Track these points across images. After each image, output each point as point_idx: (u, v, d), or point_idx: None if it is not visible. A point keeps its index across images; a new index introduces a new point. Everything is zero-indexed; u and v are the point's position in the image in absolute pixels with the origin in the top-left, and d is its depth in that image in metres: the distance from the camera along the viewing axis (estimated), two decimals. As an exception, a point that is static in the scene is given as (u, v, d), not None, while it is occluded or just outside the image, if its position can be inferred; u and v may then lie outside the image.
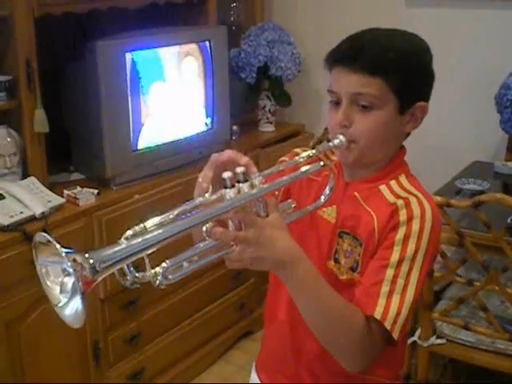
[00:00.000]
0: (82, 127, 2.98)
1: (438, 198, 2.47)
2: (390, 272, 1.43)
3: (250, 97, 3.89)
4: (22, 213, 2.57)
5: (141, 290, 3.00)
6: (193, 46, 3.21)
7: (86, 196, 2.80)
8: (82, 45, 2.86)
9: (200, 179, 1.39)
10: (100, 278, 1.14)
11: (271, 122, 3.90)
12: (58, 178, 3.00)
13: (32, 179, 2.73)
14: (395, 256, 1.44)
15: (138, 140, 3.00)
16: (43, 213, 2.61)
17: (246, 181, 1.30)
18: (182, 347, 3.34)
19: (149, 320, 3.13)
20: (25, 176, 2.76)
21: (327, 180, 1.54)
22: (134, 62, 2.89)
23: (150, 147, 3.06)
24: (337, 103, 1.52)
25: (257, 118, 3.91)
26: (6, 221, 2.51)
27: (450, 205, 2.45)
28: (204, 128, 3.33)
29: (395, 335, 1.42)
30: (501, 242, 2.43)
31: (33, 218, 2.59)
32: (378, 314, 1.41)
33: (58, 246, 1.11)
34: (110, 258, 1.14)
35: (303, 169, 1.47)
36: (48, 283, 1.19)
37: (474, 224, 2.56)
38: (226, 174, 1.29)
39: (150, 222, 1.25)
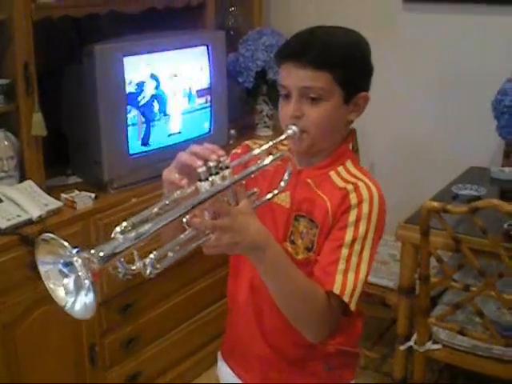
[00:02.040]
0: (80, 131, 2.99)
1: (435, 204, 2.48)
2: (344, 251, 1.58)
3: (248, 101, 3.90)
4: (19, 216, 2.57)
5: (138, 293, 3.00)
6: (191, 51, 3.21)
7: (84, 199, 2.80)
8: (80, 48, 2.87)
9: (170, 175, 1.53)
10: (104, 269, 1.21)
11: (269, 127, 3.90)
12: (56, 181, 3.00)
13: (29, 183, 2.73)
14: (348, 236, 1.58)
15: (135, 144, 3.00)
16: (40, 216, 2.61)
17: (217, 173, 1.41)
18: (179, 351, 3.34)
19: (146, 323, 3.13)
20: (22, 179, 2.76)
21: (280, 169, 1.65)
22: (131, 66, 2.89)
23: (147, 151, 3.06)
24: (287, 96, 1.64)
25: (254, 123, 3.92)
26: (3, 224, 2.52)
27: (447, 210, 2.46)
28: (202, 132, 3.34)
29: (352, 307, 1.57)
30: (497, 248, 2.44)
31: (30, 222, 2.59)
32: (336, 290, 1.55)
33: (65, 243, 1.18)
34: (112, 250, 1.22)
35: (268, 159, 1.57)
36: (51, 286, 1.25)
37: (470, 229, 2.56)
38: (201, 169, 1.40)
39: (136, 218, 1.34)
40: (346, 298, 1.55)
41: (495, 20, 3.45)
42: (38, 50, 2.69)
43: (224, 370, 1.95)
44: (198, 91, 3.26)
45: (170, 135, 3.17)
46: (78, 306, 1.22)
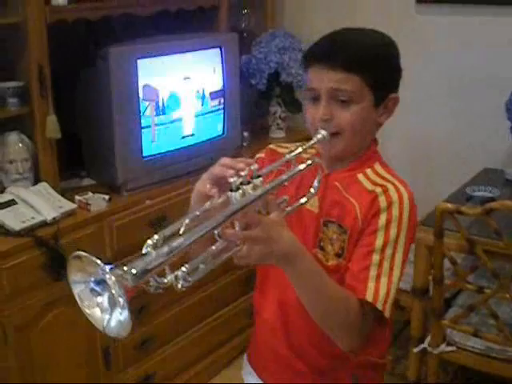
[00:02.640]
0: (94, 133, 3.00)
1: (449, 205, 2.48)
2: (375, 257, 1.54)
3: (261, 103, 3.90)
4: (33, 218, 2.58)
5: (151, 295, 3.00)
6: (204, 53, 3.22)
7: (98, 201, 2.81)
8: (94, 51, 2.88)
9: (201, 187, 1.49)
10: (140, 285, 1.17)
11: (282, 129, 3.90)
12: (70, 183, 3.01)
13: (43, 185, 2.75)
14: (379, 241, 1.55)
15: (149, 146, 3.01)
16: (54, 218, 2.62)
17: (248, 183, 1.38)
18: (193, 352, 3.35)
19: (159, 325, 3.14)
20: (36, 181, 2.78)
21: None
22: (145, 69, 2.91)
23: (160, 153, 3.07)
24: (315, 99, 1.61)
25: (267, 125, 3.92)
26: (18, 226, 2.53)
27: (461, 212, 2.45)
28: (215, 134, 3.34)
29: (387, 314, 1.54)
30: (511, 250, 2.43)
31: (44, 224, 2.60)
32: (369, 297, 1.52)
33: (98, 261, 1.13)
34: (144, 266, 1.17)
35: (300, 167, 1.55)
36: (87, 310, 1.21)
37: (484, 231, 2.55)
38: (232, 179, 1.38)
39: (167, 230, 1.28)
40: (379, 306, 1.52)
41: (507, 21, 3.43)
42: (52, 52, 2.71)
43: (249, 375, 1.92)
44: (211, 93, 3.27)
45: (183, 137, 3.17)
46: (113, 324, 1.19)
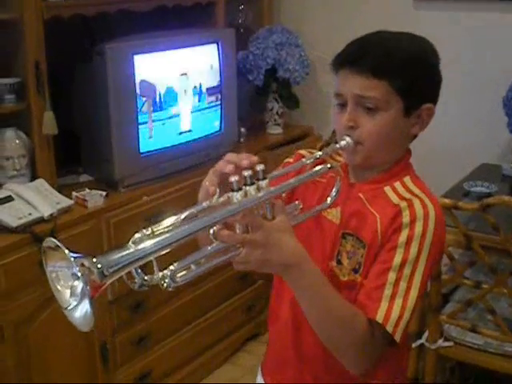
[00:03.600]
0: (91, 129, 3.00)
1: (446, 201, 2.48)
2: (392, 275, 1.44)
3: (258, 99, 3.89)
4: (30, 214, 2.58)
5: (149, 291, 3.00)
6: (201, 49, 3.22)
7: (95, 198, 2.81)
8: (91, 47, 2.88)
9: (206, 183, 1.42)
10: (108, 282, 1.15)
11: (279, 124, 3.90)
12: (67, 179, 3.01)
13: (41, 181, 2.74)
14: (398, 259, 1.45)
15: (146, 142, 3.01)
16: (52, 214, 2.61)
17: (252, 184, 1.31)
18: (190, 349, 3.35)
19: (156, 322, 3.14)
20: (33, 178, 2.77)
21: (332, 181, 1.55)
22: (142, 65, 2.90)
23: (158, 149, 3.07)
24: (342, 105, 1.53)
25: (265, 120, 3.91)
26: (15, 222, 2.52)
27: (458, 207, 2.45)
28: (212, 130, 3.34)
29: (397, 338, 1.43)
30: (509, 245, 2.44)
31: (41, 220, 2.60)
32: (380, 318, 1.42)
33: (66, 251, 1.12)
34: (117, 262, 1.15)
35: (311, 171, 1.49)
36: (58, 287, 1.20)
37: (481, 226, 2.56)
38: (233, 178, 1.31)
39: (159, 226, 1.26)
40: (389, 328, 1.41)
41: (505, 17, 3.44)
42: (48, 48, 2.70)
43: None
44: (208, 89, 3.26)
45: (180, 133, 3.17)
46: (77, 314, 1.17)
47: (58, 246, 1.15)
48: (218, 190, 1.37)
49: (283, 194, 1.51)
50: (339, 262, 1.56)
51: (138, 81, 2.90)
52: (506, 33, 3.45)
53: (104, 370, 2.93)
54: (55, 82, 2.81)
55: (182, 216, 1.30)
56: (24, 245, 2.51)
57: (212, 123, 3.34)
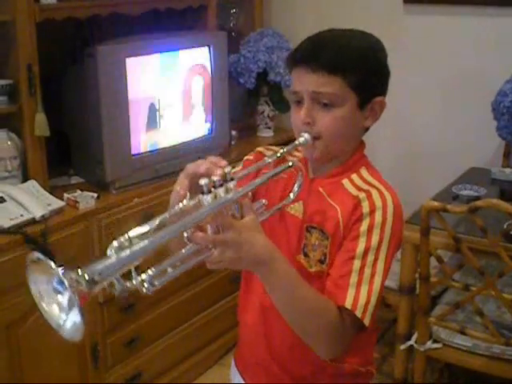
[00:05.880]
0: (82, 131, 3.00)
1: (435, 204, 2.50)
2: (357, 263, 1.50)
3: (249, 102, 3.91)
4: (22, 216, 2.58)
5: (139, 292, 3.01)
6: (192, 52, 3.23)
7: (86, 199, 2.82)
8: (83, 50, 2.88)
9: (178, 187, 1.47)
10: (95, 291, 1.16)
11: (270, 128, 3.92)
12: (58, 181, 3.02)
13: (32, 182, 2.75)
14: (361, 247, 1.51)
15: (137, 144, 3.02)
16: (43, 216, 2.62)
17: (221, 186, 1.35)
18: (180, 350, 3.36)
19: (147, 323, 3.14)
20: (25, 179, 2.78)
21: (293, 177, 1.60)
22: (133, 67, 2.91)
23: (149, 151, 3.08)
24: (299, 102, 1.59)
25: (255, 124, 3.93)
26: (7, 223, 2.53)
27: (447, 210, 2.47)
28: (203, 133, 3.35)
29: (366, 322, 1.49)
30: (497, 248, 2.45)
31: (33, 221, 2.60)
32: (348, 304, 1.47)
33: (52, 264, 1.13)
34: (103, 271, 1.17)
35: (275, 170, 1.54)
36: (44, 306, 1.20)
37: (470, 229, 2.58)
38: (203, 181, 1.34)
39: (134, 232, 1.28)
40: (358, 313, 1.47)
41: (494, 21, 3.46)
42: (41, 51, 2.71)
43: (236, 378, 1.89)
44: (199, 92, 3.27)
45: (171, 136, 3.18)
46: (68, 325, 1.19)
47: (40, 258, 1.15)
48: (188, 194, 1.42)
49: (249, 194, 1.55)
50: (306, 255, 1.62)
51: (129, 83, 2.89)
52: (493, 37, 3.48)
53: (95, 372, 2.94)
54: (47, 85, 2.81)
55: (157, 221, 1.33)
56: (16, 246, 2.51)
57: (203, 126, 3.35)
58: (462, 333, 2.69)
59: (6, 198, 2.62)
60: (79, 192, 2.86)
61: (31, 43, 2.66)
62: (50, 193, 2.77)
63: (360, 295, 1.48)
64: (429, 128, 3.76)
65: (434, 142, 3.74)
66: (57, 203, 2.74)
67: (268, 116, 3.88)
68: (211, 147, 3.29)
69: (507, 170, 3.25)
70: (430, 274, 2.68)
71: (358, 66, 1.55)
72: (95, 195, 2.87)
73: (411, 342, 2.81)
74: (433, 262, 2.67)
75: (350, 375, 1.71)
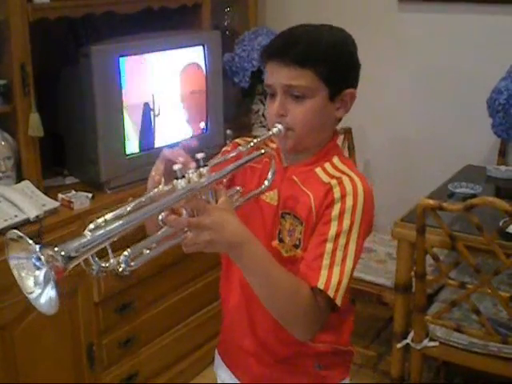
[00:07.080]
0: (77, 131, 2.99)
1: (431, 201, 2.49)
2: (329, 246, 1.56)
3: (244, 101, 3.90)
4: (16, 216, 2.57)
5: (135, 293, 3.01)
6: (187, 51, 3.22)
7: (81, 200, 2.81)
8: (77, 49, 2.88)
9: (153, 173, 1.56)
10: (70, 267, 1.21)
11: (265, 126, 3.90)
12: (53, 181, 3.01)
13: (26, 183, 2.74)
14: (332, 231, 1.57)
15: (132, 144, 3.01)
16: (38, 216, 2.61)
17: (195, 171, 1.42)
18: (177, 350, 3.35)
19: (143, 323, 3.14)
20: (19, 180, 2.77)
21: (268, 166, 1.69)
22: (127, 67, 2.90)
23: (143, 151, 3.07)
24: (273, 95, 1.65)
25: (250, 122, 3.92)
26: (1, 224, 2.52)
27: (443, 208, 2.47)
28: (198, 132, 3.34)
29: (338, 302, 1.54)
30: (493, 245, 2.45)
31: (27, 222, 2.59)
32: (321, 285, 1.53)
33: (30, 240, 1.20)
34: (78, 248, 1.22)
35: (247, 157, 1.62)
36: (22, 274, 1.27)
37: (466, 227, 2.58)
38: (177, 166, 1.41)
39: (110, 215, 1.34)
40: (331, 293, 1.53)
41: (489, 19, 3.47)
42: (34, 50, 2.70)
43: (220, 367, 1.96)
44: (193, 91, 3.27)
45: (166, 136, 3.17)
46: (43, 300, 1.24)
47: (20, 236, 1.22)
48: (162, 179, 1.49)
49: (224, 181, 1.63)
50: (281, 240, 1.68)
51: (123, 82, 2.89)
52: (488, 34, 3.48)
53: (91, 372, 2.93)
54: (41, 84, 2.80)
55: (132, 204, 1.39)
56: (10, 247, 2.50)
57: (198, 125, 3.34)
58: (459, 331, 2.68)
59: None
60: (74, 192, 2.85)
61: (24, 43, 2.65)
62: (45, 193, 2.76)
63: (332, 276, 1.54)
64: (424, 126, 3.76)
65: (429, 139, 3.74)
66: (51, 203, 2.73)
67: (263, 115, 3.87)
68: (206, 146, 3.23)
69: (502, 168, 3.25)
70: (425, 272, 2.68)
71: (329, 59, 1.61)
72: (90, 195, 2.86)
73: (407, 341, 2.81)
74: (429, 260, 2.67)
75: (331, 354, 1.78)
